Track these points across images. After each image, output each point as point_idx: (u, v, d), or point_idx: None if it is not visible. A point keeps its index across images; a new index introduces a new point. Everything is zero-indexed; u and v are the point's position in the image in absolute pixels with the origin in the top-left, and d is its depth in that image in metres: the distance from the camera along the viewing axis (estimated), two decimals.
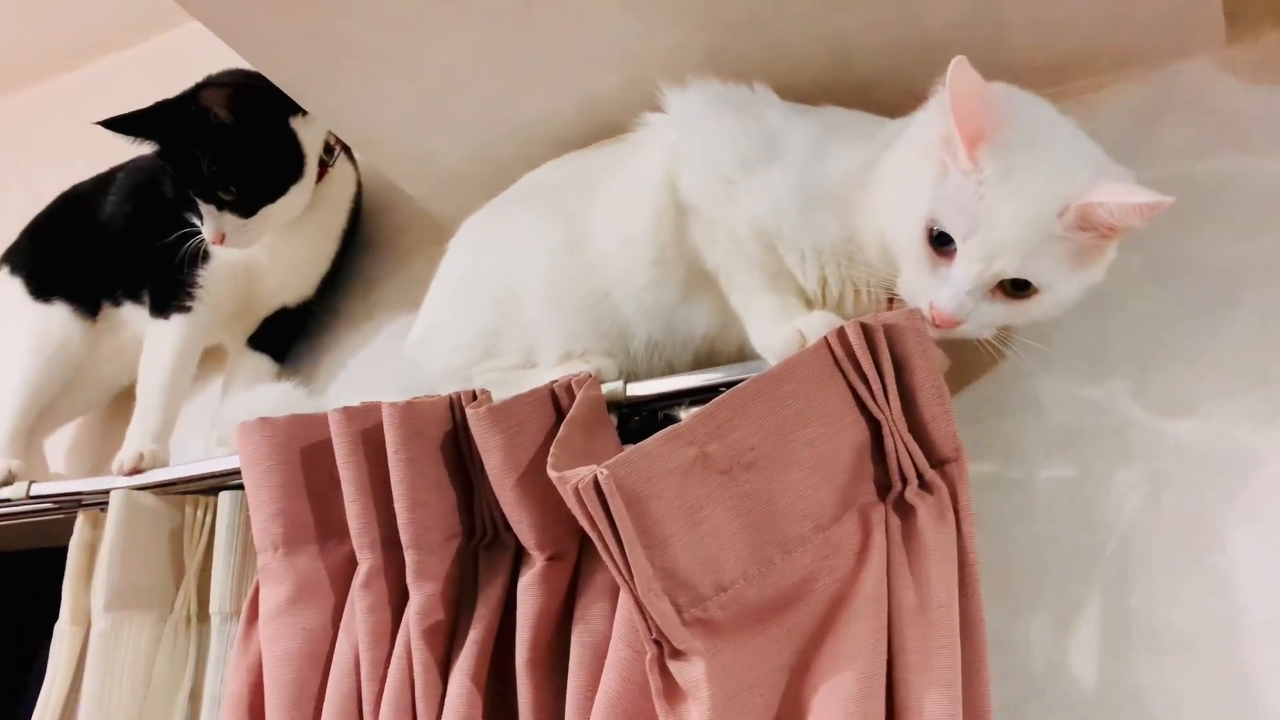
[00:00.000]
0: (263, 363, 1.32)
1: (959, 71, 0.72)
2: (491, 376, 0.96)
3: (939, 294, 0.75)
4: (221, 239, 1.16)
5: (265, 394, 1.11)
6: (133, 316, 1.36)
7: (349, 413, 0.92)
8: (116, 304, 1.37)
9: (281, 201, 1.20)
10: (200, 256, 1.25)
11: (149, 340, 1.27)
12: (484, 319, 0.97)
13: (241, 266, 1.27)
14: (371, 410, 0.92)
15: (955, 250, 0.74)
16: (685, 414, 0.90)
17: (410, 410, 0.89)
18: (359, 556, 0.91)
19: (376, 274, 1.35)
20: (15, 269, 1.43)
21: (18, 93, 2.01)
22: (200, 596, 1.16)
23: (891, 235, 0.79)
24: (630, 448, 0.72)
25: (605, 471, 0.68)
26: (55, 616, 1.50)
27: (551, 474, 0.75)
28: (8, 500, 1.27)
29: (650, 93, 0.97)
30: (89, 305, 1.37)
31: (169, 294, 1.26)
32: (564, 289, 0.94)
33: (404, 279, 1.33)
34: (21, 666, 1.59)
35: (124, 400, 1.49)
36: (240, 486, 1.13)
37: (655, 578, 0.70)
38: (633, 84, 1.01)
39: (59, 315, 1.36)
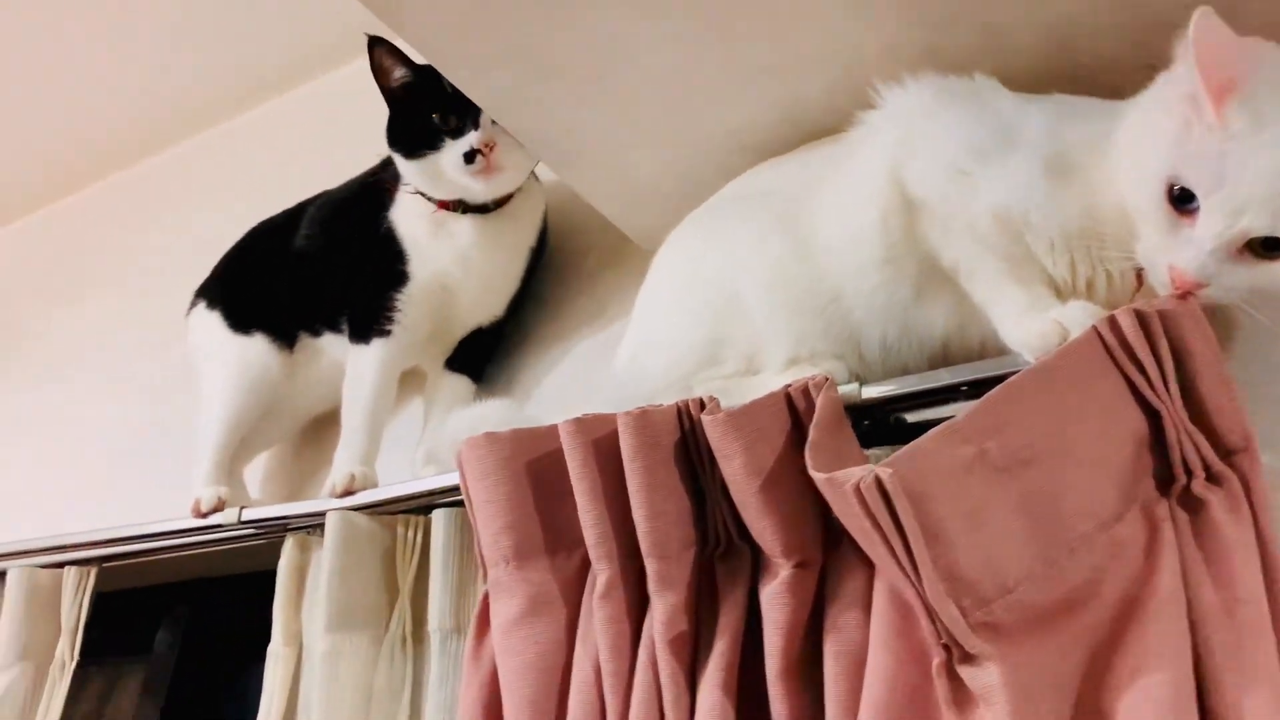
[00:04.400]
0: (462, 383, 1.34)
1: (1203, 22, 0.70)
2: (713, 385, 0.95)
3: (1179, 255, 0.72)
4: (491, 146, 1.20)
5: (482, 411, 1.12)
6: (330, 345, 1.40)
7: (581, 424, 0.92)
8: (314, 333, 1.41)
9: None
10: (398, 279, 1.28)
11: (351, 365, 1.30)
12: (704, 328, 0.96)
13: (437, 286, 1.29)
14: (603, 421, 0.92)
15: (1197, 209, 0.71)
16: (935, 415, 0.89)
17: (645, 419, 0.88)
18: (596, 567, 0.91)
19: (563, 294, 1.37)
20: (212, 303, 1.49)
21: (201, 132, 2.10)
22: (415, 615, 1.18)
23: (1130, 198, 0.76)
24: (903, 448, 0.70)
25: (889, 471, 0.66)
26: (251, 639, 1.54)
27: (816, 476, 0.73)
28: (219, 526, 1.31)
29: (858, 93, 0.96)
30: (286, 336, 1.42)
31: (369, 319, 1.29)
32: (790, 294, 0.92)
33: (591, 298, 1.34)
34: (222, 688, 1.64)
35: (313, 428, 1.54)
36: (454, 504, 1.15)
37: (938, 579, 0.67)
38: (840, 86, 1.00)
39: (258, 346, 1.41)
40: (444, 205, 1.28)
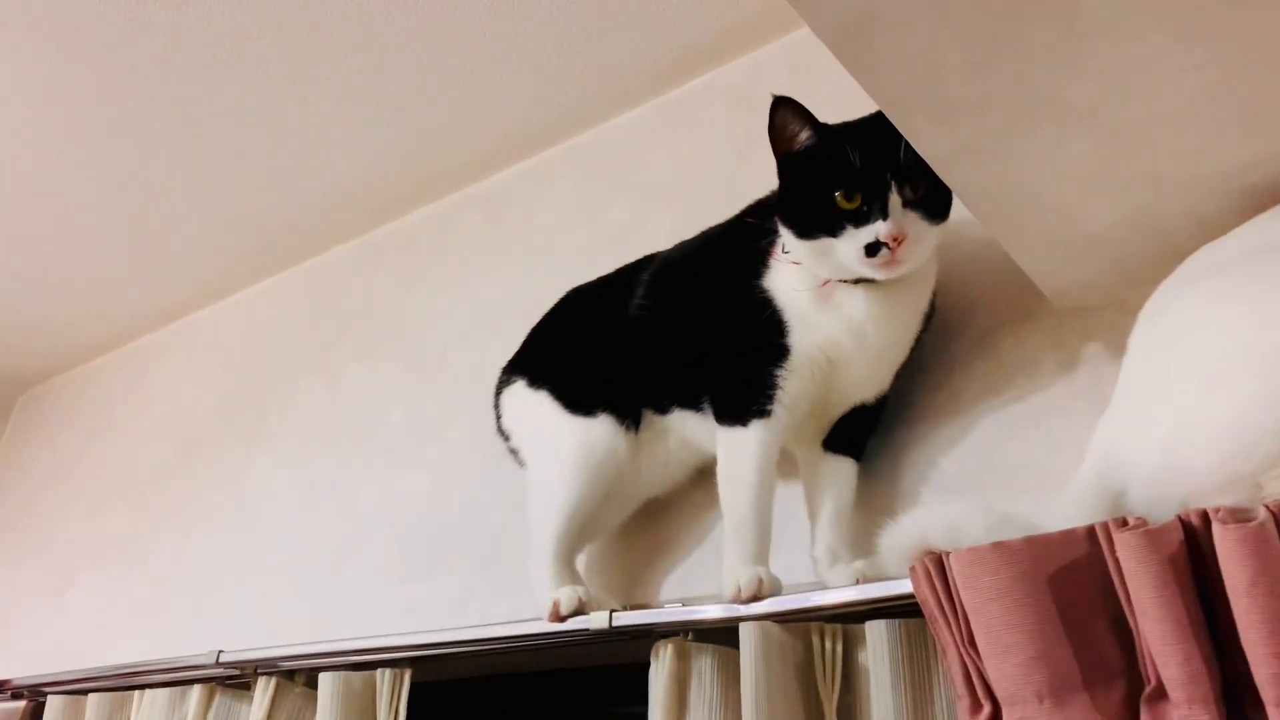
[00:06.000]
0: (845, 465, 1.18)
1: None
2: None
3: None
4: (899, 239, 1.04)
5: (949, 512, 0.94)
6: (680, 424, 1.27)
7: (1151, 536, 0.76)
8: (661, 411, 1.28)
9: (941, 227, 1.10)
10: (778, 353, 1.14)
11: (725, 451, 1.16)
12: (1276, 413, 0.79)
13: (823, 360, 1.15)
14: (1168, 531, 0.77)
15: None
16: None
17: (1264, 533, 0.72)
18: (1185, 711, 0.75)
19: (952, 359, 1.21)
20: (536, 380, 1.37)
21: (469, 185, 2.02)
22: None
23: None
24: None
25: None
26: None
27: None
28: (585, 630, 1.19)
29: None
30: (631, 414, 1.30)
31: (745, 399, 1.15)
32: None
33: (988, 363, 1.18)
34: None
35: (642, 512, 1.41)
36: (893, 613, 1.00)
37: None
38: None
39: (603, 428, 1.29)
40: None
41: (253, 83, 1.78)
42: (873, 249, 1.05)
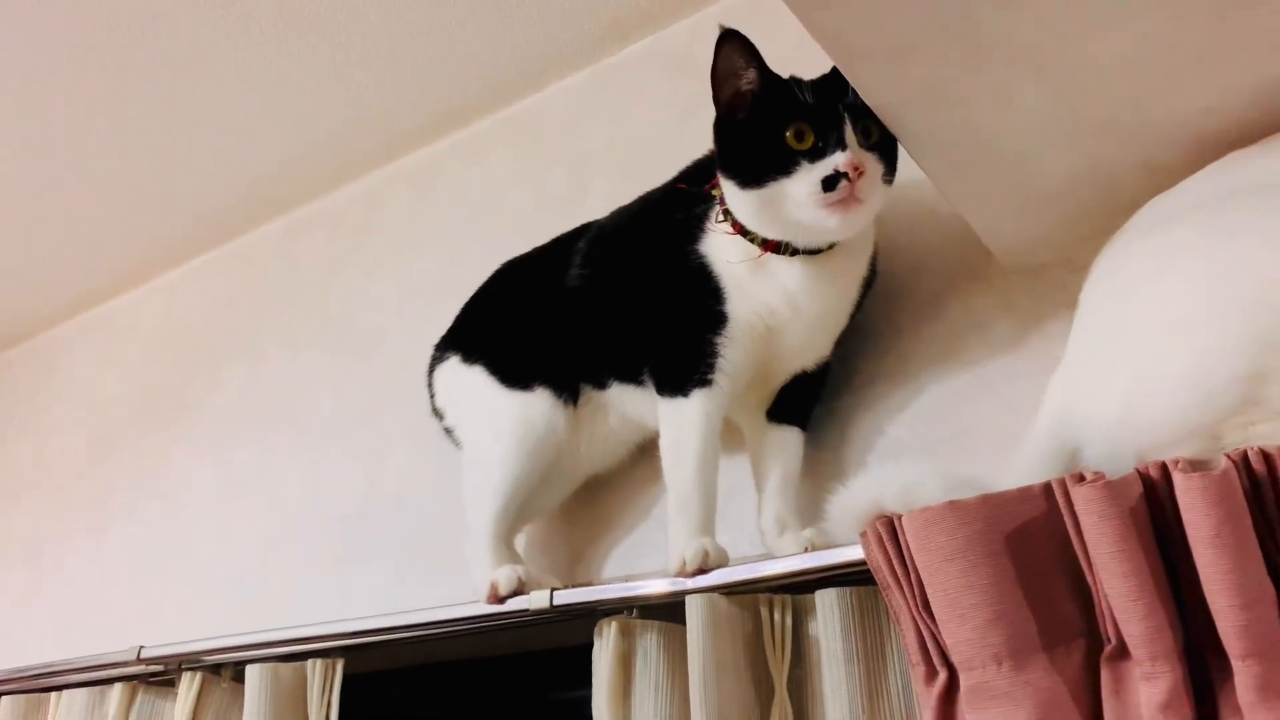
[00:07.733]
0: (791, 435, 1.15)
1: None
2: (1255, 430, 0.76)
3: None
4: (859, 169, 0.98)
5: (905, 474, 0.90)
6: (619, 398, 1.23)
7: (1112, 489, 0.73)
8: (599, 385, 1.23)
9: (888, 187, 1.04)
10: (716, 320, 1.10)
11: (667, 422, 1.12)
12: (1242, 360, 0.77)
13: (762, 327, 1.11)
14: (1129, 484, 0.74)
15: None
16: None
17: (1229, 480, 0.69)
18: (1147, 669, 0.72)
19: (899, 322, 1.18)
20: (470, 356, 1.31)
21: (393, 161, 1.94)
22: (797, 714, 0.99)
23: None
24: None
25: None
26: None
27: None
28: (525, 610, 1.14)
29: None
30: (569, 389, 1.24)
31: (685, 368, 1.11)
32: None
33: (936, 325, 1.15)
34: None
35: (583, 489, 1.36)
36: (842, 582, 0.97)
37: None
38: None
39: (540, 403, 1.23)
40: (769, 247, 1.08)
41: (165, 55, 1.69)
42: (831, 182, 0.98)
